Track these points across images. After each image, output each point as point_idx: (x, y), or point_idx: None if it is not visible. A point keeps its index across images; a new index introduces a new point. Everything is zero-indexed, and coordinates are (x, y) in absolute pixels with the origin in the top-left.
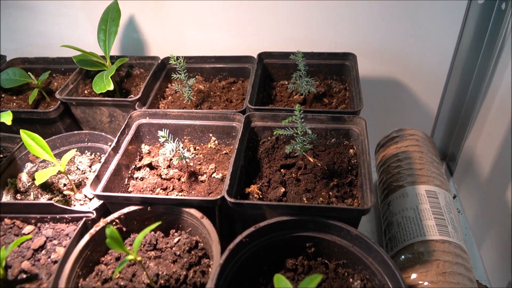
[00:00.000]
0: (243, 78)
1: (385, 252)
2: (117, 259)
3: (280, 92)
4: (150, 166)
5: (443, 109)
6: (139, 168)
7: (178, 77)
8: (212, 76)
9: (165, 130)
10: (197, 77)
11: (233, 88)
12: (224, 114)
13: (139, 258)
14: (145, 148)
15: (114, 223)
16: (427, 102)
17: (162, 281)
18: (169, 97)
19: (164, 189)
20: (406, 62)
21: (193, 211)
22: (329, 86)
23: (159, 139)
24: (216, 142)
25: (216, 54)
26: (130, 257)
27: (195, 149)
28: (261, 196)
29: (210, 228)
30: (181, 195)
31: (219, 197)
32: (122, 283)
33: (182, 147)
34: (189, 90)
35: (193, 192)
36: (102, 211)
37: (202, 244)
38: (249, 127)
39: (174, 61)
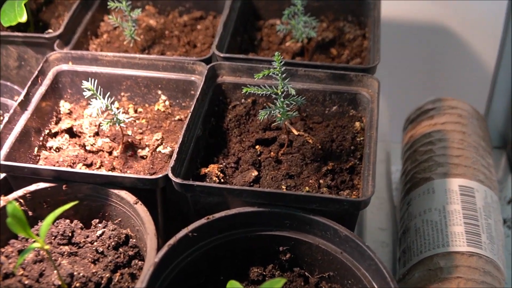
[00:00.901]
0: (215, 13)
1: (381, 260)
2: (21, 252)
3: (268, 36)
4: (71, 133)
5: (502, 75)
6: (54, 134)
7: (118, 7)
8: (169, 7)
9: (94, 81)
10: (147, 7)
11: (199, 27)
12: (179, 63)
13: (46, 247)
14: (65, 106)
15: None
16: (481, 64)
17: (77, 284)
18: (104, 35)
19: (88, 165)
20: (455, 4)
21: (124, 193)
22: (340, 31)
23: (84, 94)
24: (167, 103)
25: None
26: (37, 244)
27: (136, 111)
28: (222, 180)
29: (146, 217)
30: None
31: (160, 175)
32: (26, 282)
33: (116, 108)
34: (133, 27)
35: (128, 172)
36: (3, 189)
37: (134, 240)
38: (214, 83)
39: None
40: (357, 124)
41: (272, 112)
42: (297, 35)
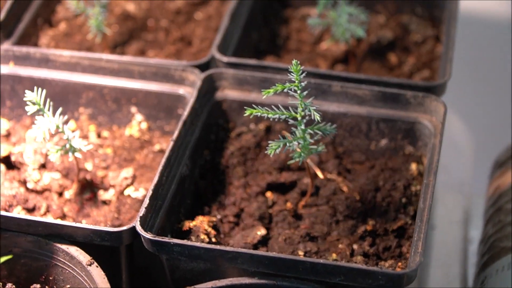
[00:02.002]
0: None
1: None
2: None
3: (299, 32)
4: (8, 163)
5: None
6: None
7: None
8: None
9: (42, 91)
10: None
11: (197, 16)
12: (163, 69)
13: None
14: (0, 125)
15: None
16: None
17: None
18: (62, 24)
19: (30, 210)
20: None
21: (75, 251)
22: (404, 30)
23: (28, 109)
24: (144, 125)
25: None
26: None
27: (99, 135)
28: (214, 239)
29: (103, 284)
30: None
31: (126, 227)
32: None
33: (71, 130)
34: (102, 14)
35: (84, 221)
36: None
37: None
38: (211, 99)
39: None
40: (414, 166)
41: (289, 145)
42: (337, 33)
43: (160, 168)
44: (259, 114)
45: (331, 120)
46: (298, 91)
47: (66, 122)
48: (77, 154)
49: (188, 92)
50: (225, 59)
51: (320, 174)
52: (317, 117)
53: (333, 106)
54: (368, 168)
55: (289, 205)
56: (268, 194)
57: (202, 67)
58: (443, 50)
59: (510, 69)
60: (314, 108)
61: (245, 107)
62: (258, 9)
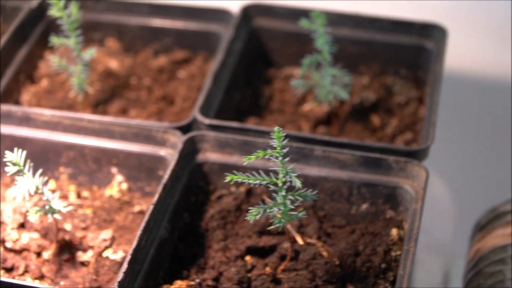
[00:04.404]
0: (206, 54)
1: None
2: None
3: (282, 92)
4: None
5: None
6: None
7: (64, 44)
8: (140, 43)
9: (22, 151)
10: (108, 42)
11: (180, 74)
12: (145, 130)
13: None
14: None
15: None
16: None
17: None
18: (44, 81)
19: (8, 270)
20: None
21: None
22: (388, 91)
23: (8, 169)
24: (124, 186)
25: None
26: None
27: (79, 196)
28: None
29: None
30: (40, 284)
31: None
32: None
33: (51, 190)
34: (84, 71)
35: (62, 283)
36: None
37: None
38: (192, 161)
39: (58, 9)
40: (394, 231)
41: (269, 211)
42: (320, 95)
43: (139, 232)
44: (235, 179)
45: (313, 184)
46: (280, 158)
47: (46, 183)
48: (56, 216)
49: (169, 154)
50: (206, 121)
51: (299, 240)
52: (298, 184)
53: (314, 170)
54: (348, 232)
55: (268, 269)
56: (248, 258)
57: (184, 129)
58: (426, 114)
59: (493, 132)
60: (296, 175)
61: (226, 173)
62: (242, 69)
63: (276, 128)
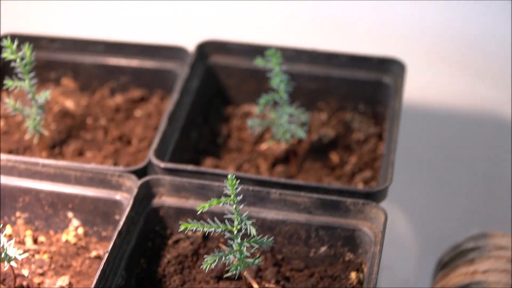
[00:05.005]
0: (162, 92)
1: None
2: None
3: (240, 130)
4: None
5: None
6: None
7: (19, 86)
8: (96, 82)
9: None
10: (64, 81)
11: (137, 113)
12: (99, 174)
13: None
14: None
15: None
16: None
17: None
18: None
19: None
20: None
21: None
22: (346, 127)
23: None
24: (81, 230)
25: (110, 36)
26: None
27: (35, 241)
28: None
29: None
30: None
31: None
32: None
33: (7, 235)
34: (39, 113)
35: None
36: None
37: None
38: (148, 206)
39: (11, 52)
40: (353, 274)
41: (225, 258)
42: (278, 133)
43: (95, 280)
44: (189, 228)
45: (270, 228)
46: (235, 205)
47: (3, 228)
48: (13, 263)
49: (125, 198)
50: (162, 164)
51: (255, 286)
52: (253, 231)
53: (271, 213)
54: (307, 276)
55: None
56: None
57: (140, 172)
58: (385, 152)
59: (455, 166)
60: (251, 222)
61: (182, 217)
62: (198, 107)
63: (229, 176)
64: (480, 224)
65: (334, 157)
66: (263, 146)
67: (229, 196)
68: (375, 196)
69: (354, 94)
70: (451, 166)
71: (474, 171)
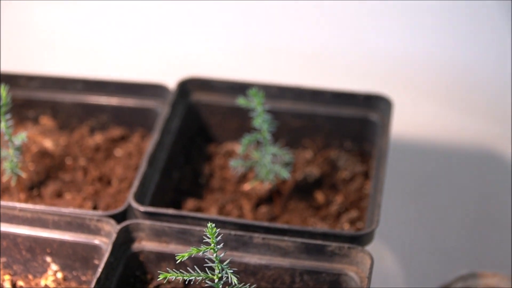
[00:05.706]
0: (143, 130)
1: None
2: None
3: (222, 169)
4: None
5: None
6: None
7: None
8: (76, 120)
9: None
10: (42, 120)
11: (117, 152)
12: (78, 219)
13: None
14: None
15: None
16: None
17: None
18: None
19: None
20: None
21: None
22: (332, 165)
23: None
24: (59, 275)
25: (89, 74)
26: None
27: (14, 285)
28: None
29: None
30: None
31: None
32: None
33: None
34: (16, 155)
35: None
36: None
37: None
38: (127, 251)
39: None
40: None
41: None
42: (261, 173)
43: None
44: (173, 277)
45: (253, 273)
46: (215, 254)
47: None
48: None
49: (104, 242)
50: (142, 208)
51: None
52: (234, 280)
53: (255, 258)
54: None
55: None
56: None
57: (119, 215)
58: (371, 193)
59: (444, 204)
60: (232, 271)
61: (166, 259)
62: (180, 147)
63: (209, 225)
64: (470, 264)
65: (320, 197)
66: (247, 186)
67: (209, 244)
68: (361, 240)
69: (339, 131)
70: (440, 204)
71: (463, 210)
